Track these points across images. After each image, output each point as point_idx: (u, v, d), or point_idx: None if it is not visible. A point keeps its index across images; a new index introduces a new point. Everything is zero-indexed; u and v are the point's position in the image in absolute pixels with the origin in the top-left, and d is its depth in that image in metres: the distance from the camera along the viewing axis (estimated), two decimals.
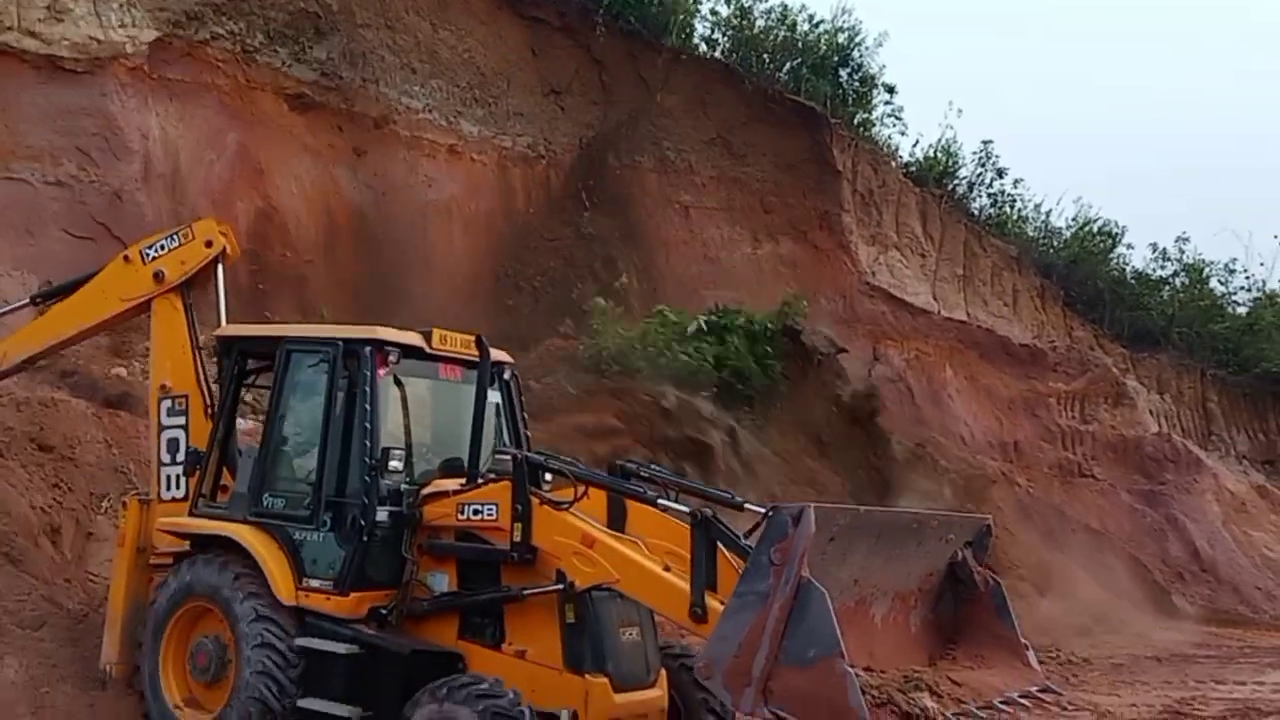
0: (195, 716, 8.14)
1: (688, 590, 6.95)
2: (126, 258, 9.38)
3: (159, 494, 8.96)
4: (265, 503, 8.32)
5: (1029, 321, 23.74)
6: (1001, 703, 7.30)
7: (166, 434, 8.98)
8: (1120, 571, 18.69)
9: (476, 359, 8.41)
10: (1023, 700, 7.52)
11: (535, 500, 7.56)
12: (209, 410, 8.86)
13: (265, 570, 7.97)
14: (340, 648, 7.79)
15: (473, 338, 8.57)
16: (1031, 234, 26.47)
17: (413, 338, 8.35)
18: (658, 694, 7.82)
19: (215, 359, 9.04)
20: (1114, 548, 19.34)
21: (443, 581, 7.97)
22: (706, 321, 17.99)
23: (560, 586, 7.47)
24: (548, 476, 8.01)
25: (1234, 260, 29.46)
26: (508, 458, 7.89)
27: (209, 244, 9.10)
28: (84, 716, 8.58)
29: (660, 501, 7.69)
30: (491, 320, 18.61)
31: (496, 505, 7.69)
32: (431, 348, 8.36)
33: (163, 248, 9.17)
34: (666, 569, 7.22)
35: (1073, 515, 19.74)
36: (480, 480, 7.98)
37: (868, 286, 21.63)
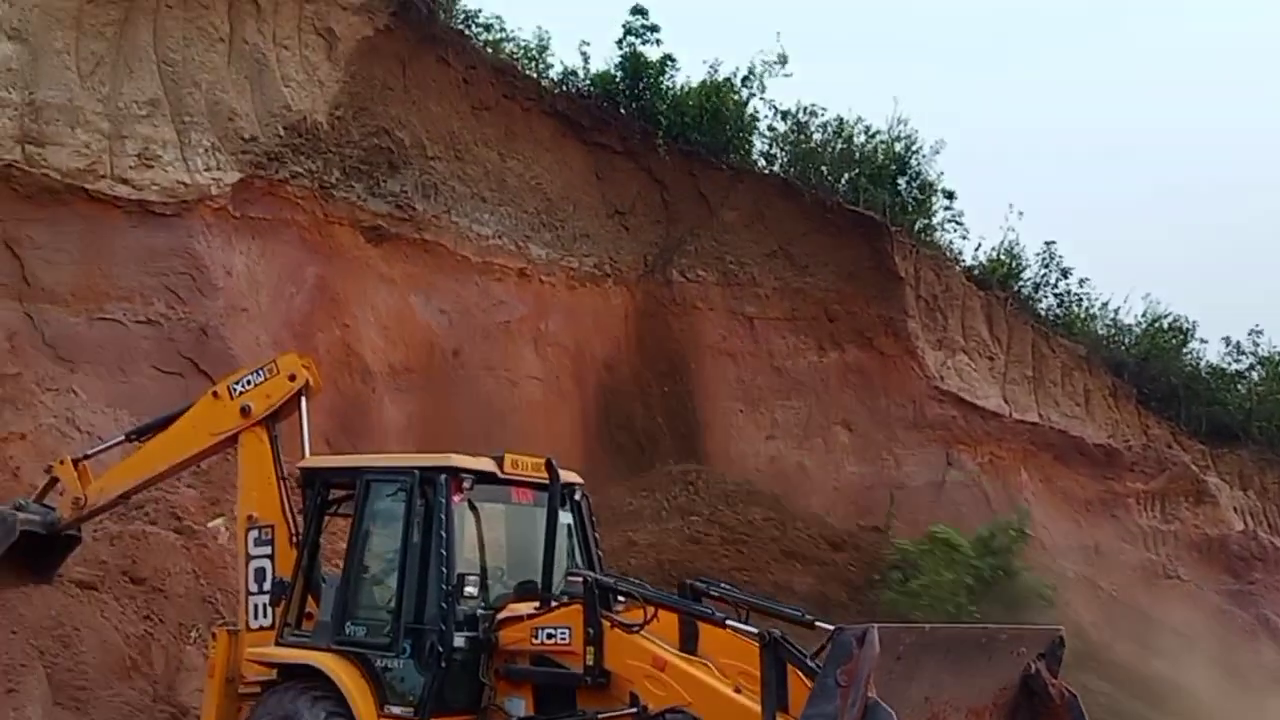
0: None
1: (759, 712, 7.01)
2: (215, 394, 9.84)
3: (247, 623, 9.23)
4: (348, 631, 8.50)
5: (1103, 421, 23.48)
6: None
7: (254, 564, 9.26)
8: (1211, 679, 18.15)
9: (547, 482, 8.68)
10: None
11: (606, 623, 7.70)
12: (294, 540, 9.17)
13: (348, 698, 8.12)
14: None
15: (543, 460, 8.87)
16: (1101, 332, 26.33)
17: (485, 463, 8.64)
18: None
19: (300, 489, 9.42)
20: (1202, 651, 18.83)
21: (520, 706, 8.10)
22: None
23: (633, 710, 7.54)
24: (619, 598, 8.11)
25: None
26: (579, 580, 8.07)
27: (292, 378, 9.53)
28: None
29: (729, 623, 7.73)
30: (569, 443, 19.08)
31: (570, 629, 7.85)
32: (503, 472, 8.60)
33: (249, 383, 9.63)
34: (738, 690, 7.29)
35: (1160, 618, 19.29)
36: (553, 604, 8.18)
37: (937, 391, 21.61)
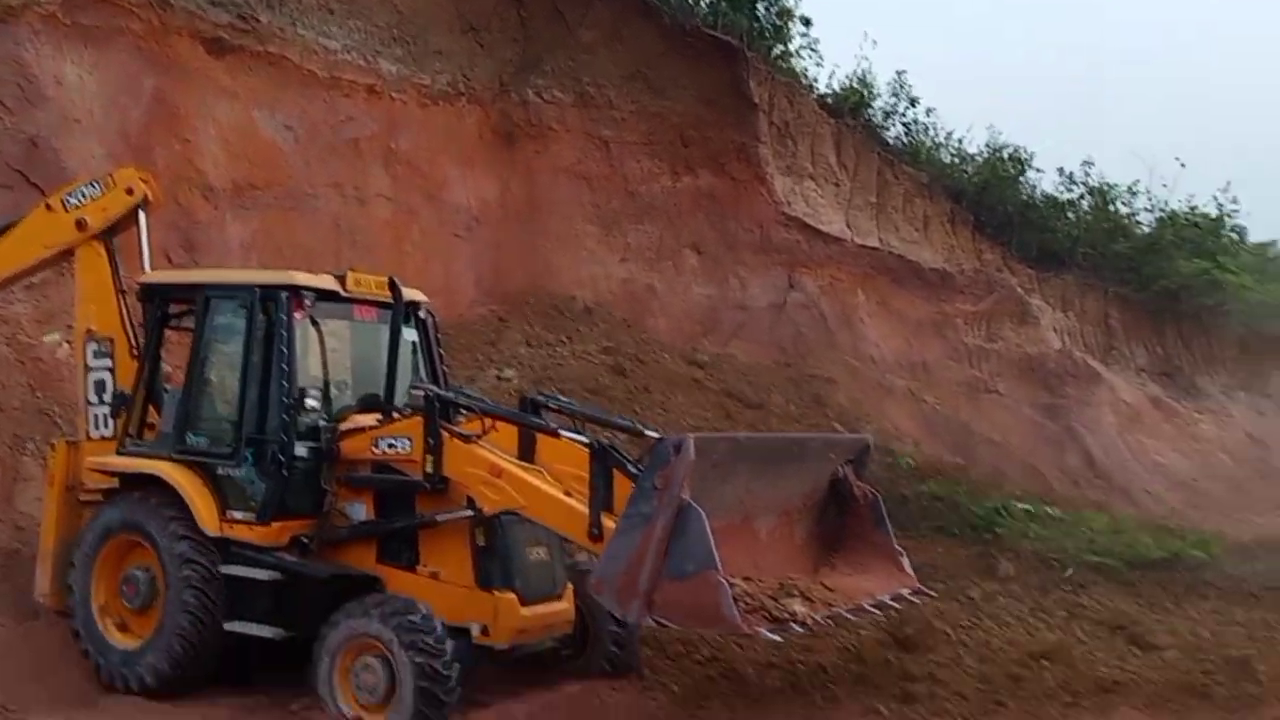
0: (127, 642, 8.72)
1: (587, 513, 7.64)
2: (48, 206, 9.75)
3: (87, 433, 9.45)
4: (189, 441, 8.86)
5: (939, 246, 24.54)
6: (872, 605, 8.03)
7: (93, 375, 9.45)
8: (1019, 480, 19.78)
9: (390, 300, 8.98)
10: (893, 602, 8.28)
11: (445, 434, 8.14)
12: (134, 353, 9.36)
13: (190, 504, 8.51)
14: (263, 574, 8.38)
15: (385, 279, 9.11)
16: (946, 161, 27.27)
17: (327, 281, 8.89)
18: (564, 606, 8.59)
19: (140, 303, 9.50)
20: (1015, 459, 20.44)
21: (360, 511, 8.62)
22: None
23: (470, 513, 8.11)
24: (460, 411, 8.62)
25: (1137, 182, 30.58)
26: (421, 393, 8.48)
27: (130, 191, 9.55)
28: (20, 645, 9.15)
29: (561, 433, 8.34)
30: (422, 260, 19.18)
31: (410, 439, 8.27)
32: (346, 290, 8.93)
33: (84, 196, 9.59)
34: (568, 494, 7.87)
35: (978, 430, 20.78)
36: (395, 416, 8.58)
37: (783, 216, 22.22)
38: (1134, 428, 22.53)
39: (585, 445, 8.04)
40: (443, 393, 8.61)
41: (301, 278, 8.83)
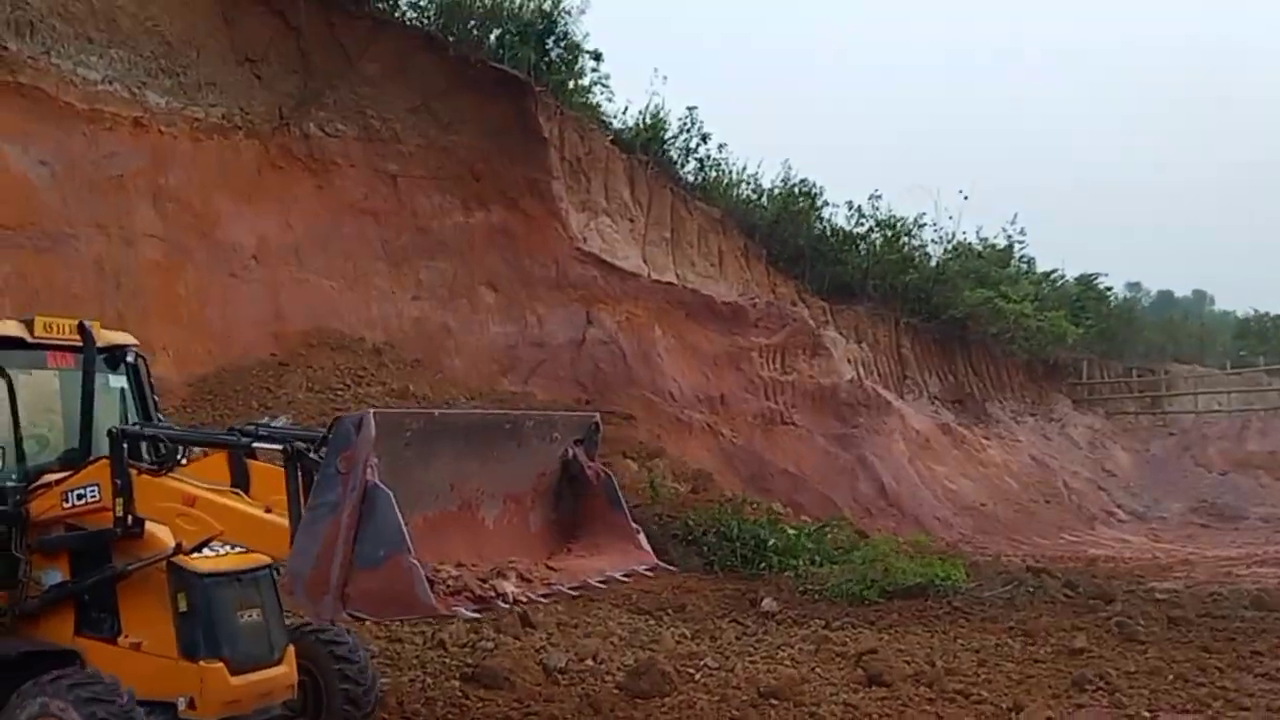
0: None
1: (287, 526, 6.89)
2: None
3: None
4: None
5: (734, 280, 24.86)
6: (599, 581, 7.55)
7: None
8: (810, 508, 20.02)
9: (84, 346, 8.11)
10: (625, 578, 7.85)
11: (134, 471, 7.46)
12: None
13: None
14: None
15: (77, 323, 8.26)
16: (743, 197, 27.70)
17: (11, 327, 8.11)
18: (283, 671, 7.93)
19: None
20: (809, 489, 20.68)
21: (56, 578, 7.80)
22: None
23: (169, 554, 7.35)
24: (154, 446, 7.84)
25: (923, 215, 31.73)
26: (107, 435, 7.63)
27: None
28: None
29: (255, 445, 7.61)
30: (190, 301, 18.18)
31: (98, 485, 7.53)
32: (34, 336, 8.14)
33: None
34: (268, 510, 7.20)
35: (773, 460, 20.96)
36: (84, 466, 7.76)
37: (579, 252, 22.10)
38: (924, 455, 23.15)
39: (279, 451, 7.24)
40: (128, 428, 7.82)
41: None
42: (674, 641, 10.98)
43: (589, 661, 10.13)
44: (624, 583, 7.91)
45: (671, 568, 8.76)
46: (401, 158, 21.20)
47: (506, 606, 6.54)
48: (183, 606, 7.41)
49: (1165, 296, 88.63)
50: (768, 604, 12.92)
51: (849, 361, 25.36)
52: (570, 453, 7.82)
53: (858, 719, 8.51)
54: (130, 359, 8.69)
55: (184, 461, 7.94)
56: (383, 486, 6.06)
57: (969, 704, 8.81)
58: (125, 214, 17.51)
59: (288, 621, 8.17)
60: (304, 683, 8.35)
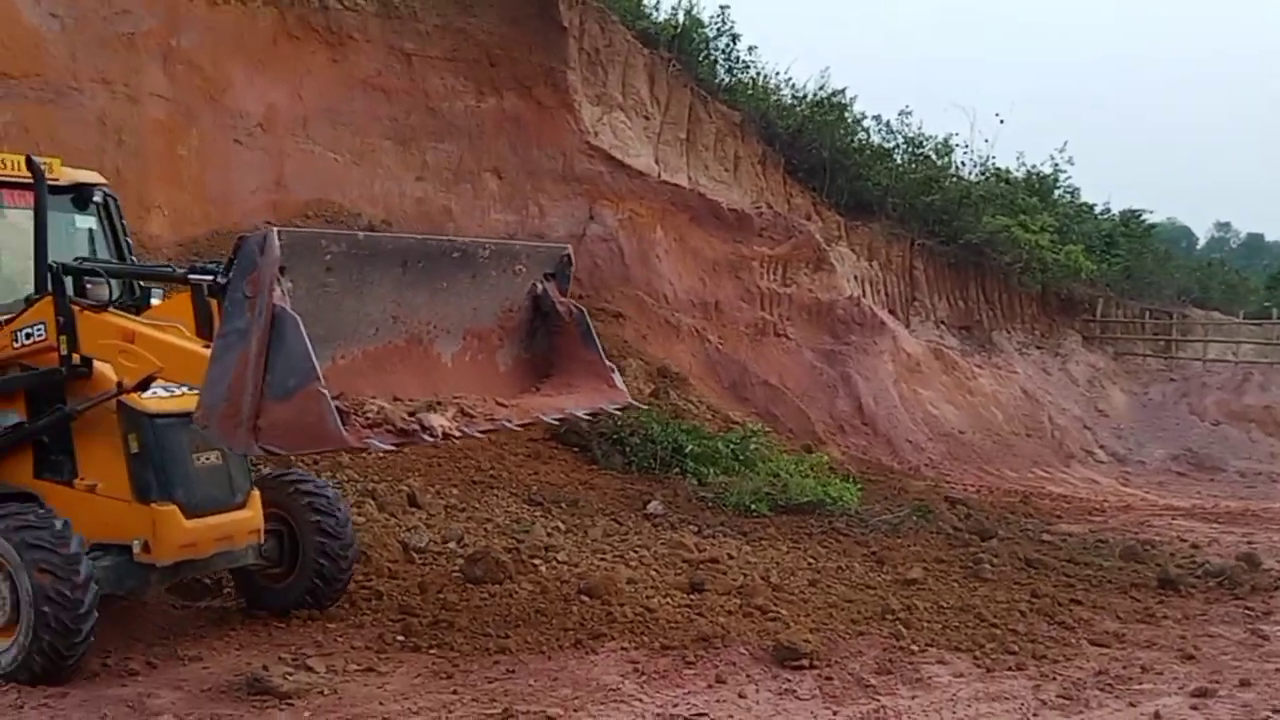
0: None
1: None
2: None
3: None
4: None
5: (749, 187, 24.74)
6: (555, 418, 7.49)
7: None
8: (785, 420, 20.31)
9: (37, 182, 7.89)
10: (588, 416, 7.81)
11: (77, 308, 7.39)
12: None
13: None
14: None
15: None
16: (770, 103, 27.40)
17: None
18: (246, 515, 7.94)
19: None
20: (787, 401, 20.92)
21: (13, 419, 7.84)
22: None
23: (113, 394, 7.33)
24: (92, 279, 7.69)
25: (954, 135, 31.31)
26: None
27: None
28: None
29: (189, 276, 7.49)
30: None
31: (44, 323, 7.48)
32: None
33: None
34: (208, 346, 6.89)
35: (756, 371, 21.18)
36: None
37: (588, 146, 22.10)
38: (911, 378, 23.20)
39: (209, 281, 7.11)
40: (69, 263, 7.68)
41: None
42: (545, 534, 11.36)
43: (451, 545, 10.44)
44: (585, 420, 8.15)
45: (642, 405, 8.59)
46: (418, 36, 21.16)
47: (431, 440, 6.24)
48: (134, 448, 7.41)
49: (1255, 239, 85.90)
50: (653, 507, 13.28)
51: (854, 279, 25.29)
52: (540, 287, 7.49)
53: (645, 621, 8.74)
54: (98, 198, 8.54)
55: (153, 304, 8.07)
56: (290, 311, 5.68)
57: (760, 619, 8.99)
58: (133, 72, 17.72)
59: (266, 470, 8.22)
60: (280, 533, 8.45)
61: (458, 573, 9.57)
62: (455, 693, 7.21)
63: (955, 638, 9.01)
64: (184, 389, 7.43)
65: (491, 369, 7.26)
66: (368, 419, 6.01)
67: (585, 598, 9.20)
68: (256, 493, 8.07)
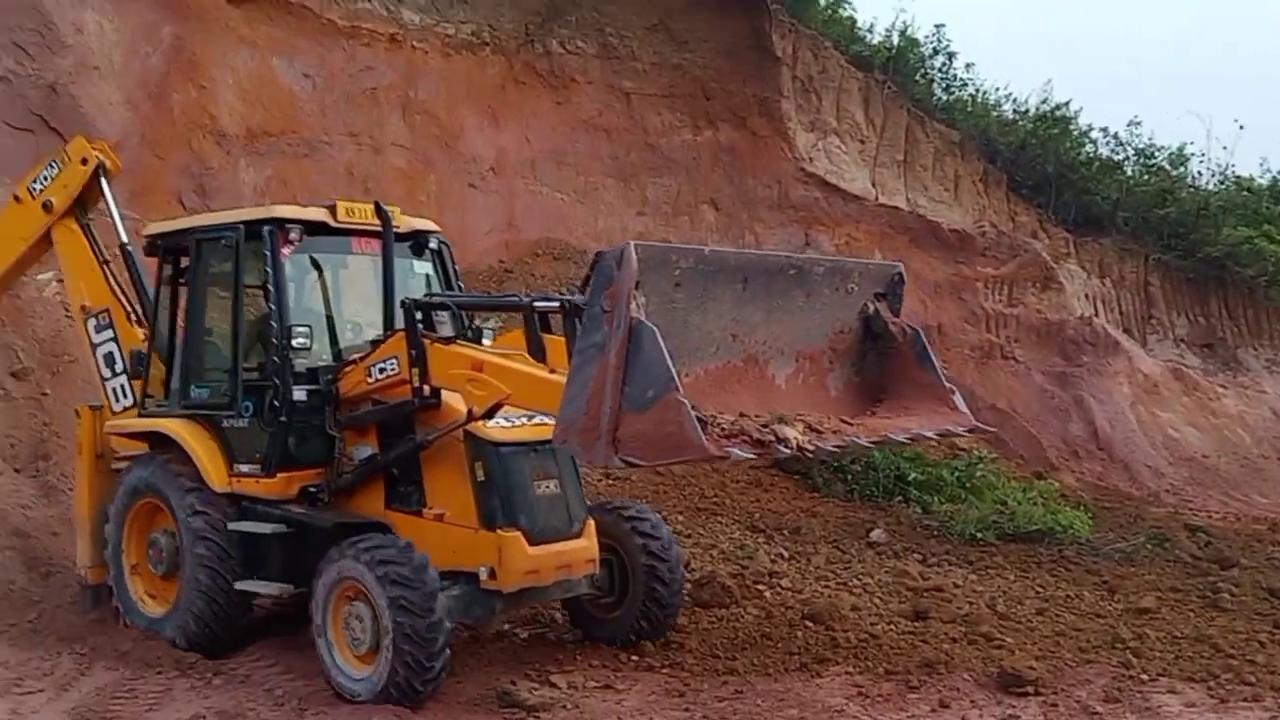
0: (158, 610, 8.55)
1: None
2: (16, 198, 9.84)
3: (110, 408, 9.40)
4: (193, 394, 8.57)
5: (970, 206, 24.31)
6: (906, 437, 7.00)
7: (100, 350, 9.44)
8: (1014, 446, 19.78)
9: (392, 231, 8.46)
10: (937, 437, 7.27)
11: (427, 341, 7.59)
12: (131, 317, 9.36)
13: (197, 460, 8.23)
14: (267, 528, 8.01)
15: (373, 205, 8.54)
16: (989, 120, 26.85)
17: (316, 213, 8.36)
18: (583, 544, 8.01)
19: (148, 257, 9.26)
20: (1016, 426, 20.38)
21: (366, 453, 8.11)
22: None
23: (463, 422, 7.54)
24: (440, 313, 7.80)
25: (1189, 143, 29.77)
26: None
27: (84, 162, 9.58)
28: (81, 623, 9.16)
29: (535, 304, 7.76)
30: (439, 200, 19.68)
31: (397, 357, 7.72)
32: (337, 221, 8.39)
33: (46, 178, 9.65)
34: (553, 371, 7.15)
35: (983, 395, 20.72)
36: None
37: (803, 173, 22.30)
38: (1149, 400, 22.16)
39: (558, 308, 7.53)
40: (419, 299, 7.90)
41: (285, 211, 8.34)
42: (768, 560, 11.49)
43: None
44: (930, 439, 7.20)
45: (990, 428, 8.40)
46: (636, 75, 21.91)
47: (788, 452, 6.06)
48: (480, 476, 7.59)
49: None
50: (876, 535, 13.23)
51: (1085, 297, 24.42)
52: (871, 308, 7.14)
53: (869, 646, 8.75)
54: (433, 245, 9.05)
55: (484, 345, 8.10)
56: (647, 322, 5.65)
57: (984, 646, 8.88)
58: (376, 124, 19.08)
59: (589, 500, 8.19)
60: (609, 562, 8.48)
61: (686, 596, 9.86)
62: (687, 710, 7.49)
63: (1188, 668, 8.72)
64: (524, 419, 7.74)
65: (823, 392, 6.94)
66: (723, 429, 5.85)
67: (809, 623, 9.35)
68: (592, 522, 8.12)
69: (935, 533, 13.68)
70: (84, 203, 9.75)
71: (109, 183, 9.81)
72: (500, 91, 21.02)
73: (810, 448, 6.15)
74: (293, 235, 8.12)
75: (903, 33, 25.52)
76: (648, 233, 21.76)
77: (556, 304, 7.56)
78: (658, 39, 21.95)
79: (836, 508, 14.50)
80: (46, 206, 9.64)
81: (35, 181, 9.76)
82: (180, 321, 8.88)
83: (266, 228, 8.11)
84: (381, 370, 7.82)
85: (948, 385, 7.17)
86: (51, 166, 9.73)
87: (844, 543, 12.92)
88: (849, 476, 15.20)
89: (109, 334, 9.41)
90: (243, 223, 8.29)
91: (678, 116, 22.13)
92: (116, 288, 9.52)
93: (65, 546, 10.19)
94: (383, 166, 18.98)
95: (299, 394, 8.00)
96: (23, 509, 10.56)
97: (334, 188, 18.01)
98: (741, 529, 12.91)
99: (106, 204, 9.74)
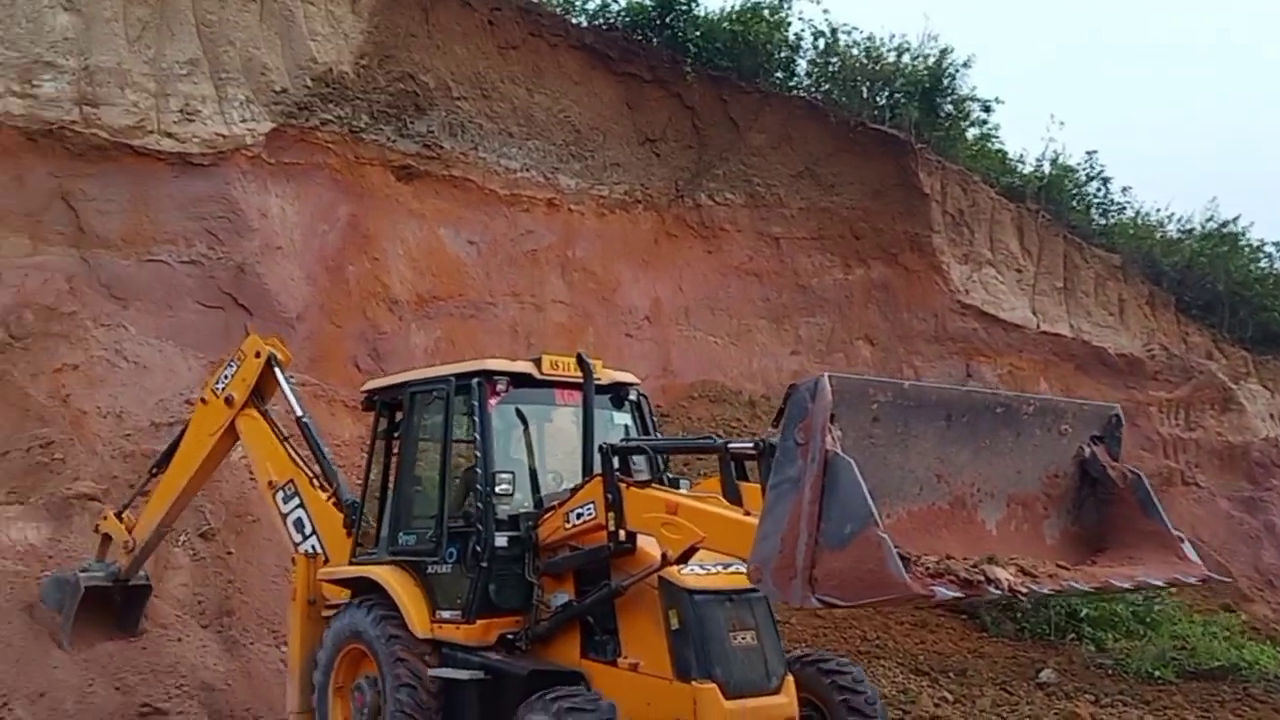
0: None
1: None
2: (204, 400, 10.70)
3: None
4: (400, 541, 8.81)
5: (1137, 330, 23.69)
6: (1130, 586, 6.40)
7: (290, 519, 9.98)
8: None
9: (595, 383, 8.65)
10: (1166, 584, 6.67)
11: (623, 485, 7.57)
12: (314, 482, 9.97)
13: (401, 605, 8.40)
14: (464, 674, 8.04)
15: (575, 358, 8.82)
16: (1155, 239, 26.30)
17: (523, 366, 8.67)
18: (782, 701, 7.66)
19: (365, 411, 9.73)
20: (1203, 556, 19.28)
21: (563, 599, 8.11)
22: None
23: (658, 566, 7.45)
24: (634, 458, 7.83)
25: None
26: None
27: (258, 354, 10.36)
28: None
29: (729, 446, 7.70)
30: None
31: (594, 502, 7.72)
32: (542, 373, 8.64)
33: (226, 377, 10.49)
34: (748, 514, 7.00)
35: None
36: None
37: (959, 304, 22.21)
38: None
39: (750, 449, 7.42)
40: (616, 443, 7.94)
41: (494, 364, 8.65)
42: (931, 704, 11.16)
43: None
44: (1156, 586, 6.68)
45: (1225, 578, 8.03)
46: (784, 220, 22.42)
47: (997, 593, 5.65)
48: (674, 624, 7.43)
49: None
50: (1046, 675, 12.70)
51: (1270, 418, 23.28)
52: (1088, 451, 6.63)
53: None
54: (632, 397, 9.17)
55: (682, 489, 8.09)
56: (844, 456, 5.38)
57: None
58: (538, 284, 20.01)
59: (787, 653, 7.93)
60: (810, 719, 8.10)
61: None
62: None
63: None
64: (720, 567, 7.55)
65: (1038, 541, 6.45)
66: (928, 569, 5.50)
67: None
68: (791, 679, 7.82)
69: (1109, 671, 13.09)
70: (261, 392, 10.49)
71: (282, 372, 10.57)
72: (653, 245, 21.81)
73: (1024, 590, 5.73)
74: (500, 386, 8.40)
75: (1054, 161, 25.48)
76: (803, 371, 21.87)
77: (750, 445, 7.52)
78: (804, 185, 22.47)
79: (1005, 647, 14.02)
80: (229, 401, 10.42)
81: (218, 382, 10.62)
82: (392, 471, 9.19)
83: (476, 379, 8.41)
84: (579, 515, 7.86)
85: (1176, 533, 6.57)
86: (230, 365, 10.59)
87: (1012, 684, 12.47)
88: (1019, 614, 14.68)
89: (296, 502, 9.97)
90: (454, 375, 8.62)
91: (828, 257, 22.46)
92: (297, 459, 10.20)
93: (247, 699, 10.71)
94: (544, 322, 19.79)
95: (500, 540, 8.11)
96: (209, 664, 11.15)
97: (499, 345, 18.92)
98: (905, 672, 12.59)
99: (281, 390, 10.47)
